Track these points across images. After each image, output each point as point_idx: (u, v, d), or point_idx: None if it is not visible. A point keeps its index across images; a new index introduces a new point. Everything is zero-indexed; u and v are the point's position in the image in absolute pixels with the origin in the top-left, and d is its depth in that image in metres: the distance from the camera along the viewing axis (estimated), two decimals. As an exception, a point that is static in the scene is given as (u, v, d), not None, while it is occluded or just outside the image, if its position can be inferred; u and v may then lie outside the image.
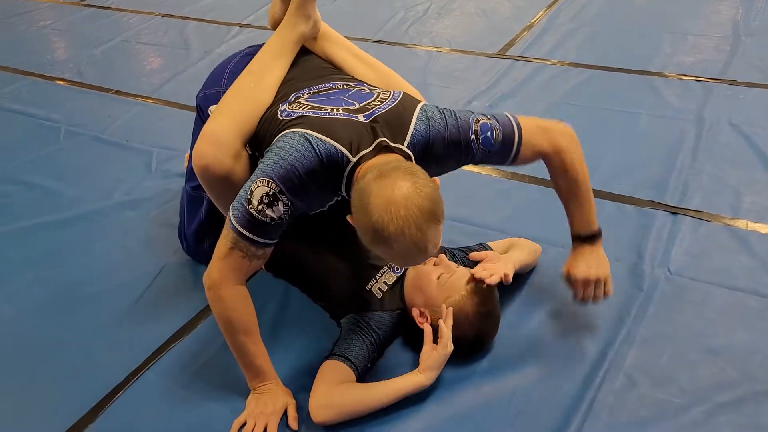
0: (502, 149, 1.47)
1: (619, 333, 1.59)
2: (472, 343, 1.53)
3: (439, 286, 1.53)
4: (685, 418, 1.39)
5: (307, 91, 1.57)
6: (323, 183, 1.38)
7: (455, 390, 1.49)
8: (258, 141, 1.54)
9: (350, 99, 1.50)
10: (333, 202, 1.46)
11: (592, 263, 1.56)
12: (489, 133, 1.45)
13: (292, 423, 1.43)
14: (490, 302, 1.53)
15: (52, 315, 1.81)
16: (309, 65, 1.73)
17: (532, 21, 3.36)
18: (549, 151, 1.51)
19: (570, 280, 1.58)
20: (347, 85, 1.60)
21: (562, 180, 1.54)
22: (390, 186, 1.21)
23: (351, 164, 1.36)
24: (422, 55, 3.15)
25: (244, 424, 1.44)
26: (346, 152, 1.36)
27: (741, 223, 1.91)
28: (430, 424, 1.43)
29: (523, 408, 1.44)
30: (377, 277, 1.62)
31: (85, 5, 4.19)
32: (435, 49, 3.18)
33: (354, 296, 1.60)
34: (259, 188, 1.34)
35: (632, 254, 1.82)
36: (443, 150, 1.43)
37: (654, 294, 1.69)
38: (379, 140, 1.37)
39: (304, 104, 1.50)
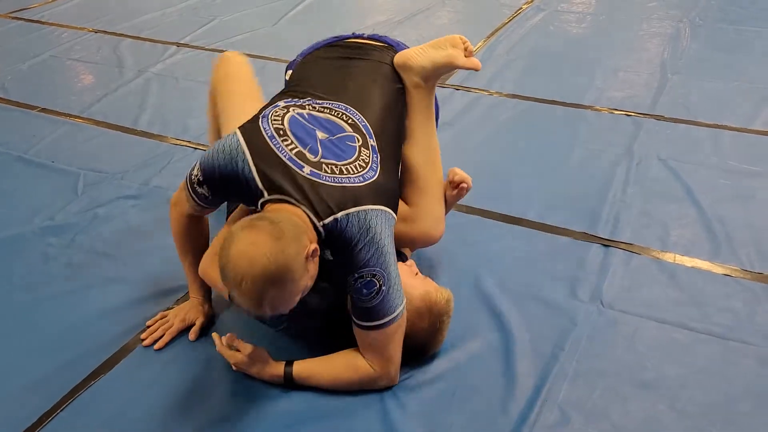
0: (363, 312, 1.44)
1: (553, 366, 1.60)
2: (420, 346, 1.58)
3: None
4: (617, 454, 1.40)
5: (317, 105, 1.60)
6: (240, 194, 1.49)
7: (386, 426, 1.46)
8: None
9: (322, 146, 1.48)
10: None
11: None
12: (368, 287, 1.41)
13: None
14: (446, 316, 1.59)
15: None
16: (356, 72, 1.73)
17: (471, 51, 3.41)
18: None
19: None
20: (347, 122, 1.56)
21: None
22: (248, 239, 1.28)
23: (264, 199, 1.43)
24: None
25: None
26: (262, 188, 1.43)
27: (669, 256, 1.96)
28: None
29: (459, 445, 1.43)
30: None
31: (14, 18, 4.02)
32: (375, 76, 3.18)
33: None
34: (196, 167, 1.52)
35: (566, 287, 1.85)
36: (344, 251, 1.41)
37: (586, 327, 1.71)
38: (288, 199, 1.40)
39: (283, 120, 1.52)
